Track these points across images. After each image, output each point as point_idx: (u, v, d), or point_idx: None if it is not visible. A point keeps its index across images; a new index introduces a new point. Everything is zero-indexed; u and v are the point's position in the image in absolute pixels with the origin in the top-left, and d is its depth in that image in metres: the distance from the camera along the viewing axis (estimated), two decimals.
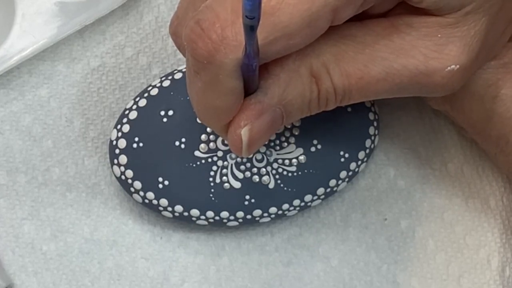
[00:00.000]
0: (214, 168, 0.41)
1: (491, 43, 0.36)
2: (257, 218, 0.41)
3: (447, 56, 0.34)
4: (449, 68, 0.34)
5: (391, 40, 0.34)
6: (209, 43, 0.30)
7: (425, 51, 0.34)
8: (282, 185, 0.41)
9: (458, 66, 0.34)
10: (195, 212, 0.41)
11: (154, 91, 0.42)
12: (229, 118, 0.33)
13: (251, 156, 0.41)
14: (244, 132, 0.33)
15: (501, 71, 0.38)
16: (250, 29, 0.26)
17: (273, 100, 0.33)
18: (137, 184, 0.41)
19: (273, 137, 0.41)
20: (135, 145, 0.41)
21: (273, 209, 0.41)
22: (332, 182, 0.42)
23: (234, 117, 0.33)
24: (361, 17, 0.34)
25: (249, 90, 0.33)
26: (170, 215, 0.41)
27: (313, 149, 0.41)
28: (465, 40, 0.34)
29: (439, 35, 0.34)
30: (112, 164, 0.41)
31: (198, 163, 0.41)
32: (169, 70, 0.45)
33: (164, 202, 0.41)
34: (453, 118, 0.42)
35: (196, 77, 0.32)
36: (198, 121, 0.41)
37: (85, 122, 0.44)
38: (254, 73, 0.31)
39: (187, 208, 0.41)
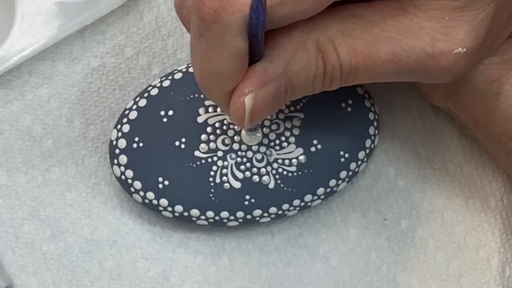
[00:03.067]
0: (214, 168, 0.41)
1: (496, 31, 0.36)
2: (257, 218, 0.41)
3: (454, 39, 0.34)
4: (455, 51, 0.34)
5: (399, 21, 0.34)
6: (215, 1, 0.30)
7: (432, 33, 0.34)
8: (282, 185, 0.41)
9: (465, 49, 0.34)
10: (195, 212, 0.41)
11: (154, 91, 0.42)
12: (233, 84, 0.33)
13: (251, 154, 0.41)
14: (248, 99, 0.32)
15: (504, 67, 0.38)
16: None
17: (278, 69, 0.33)
18: (137, 184, 0.41)
19: (273, 137, 0.41)
20: (135, 145, 0.41)
21: (273, 209, 0.41)
22: (332, 182, 0.42)
23: (237, 84, 0.32)
24: None
25: (253, 58, 0.32)
26: (170, 215, 0.41)
27: (313, 149, 0.41)
28: (472, 24, 0.34)
29: (447, 18, 0.34)
30: (112, 164, 0.41)
31: (198, 163, 0.41)
32: (169, 70, 0.45)
33: (164, 202, 0.41)
34: (455, 116, 0.42)
35: (201, 40, 0.31)
36: (198, 121, 0.41)
37: (85, 122, 0.44)
38: (260, 30, 0.31)
39: (187, 208, 0.41)
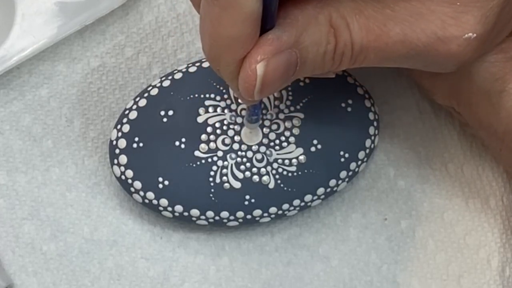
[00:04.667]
0: (214, 168, 0.41)
1: (503, 21, 0.36)
2: (257, 218, 0.41)
3: (464, 24, 0.34)
4: (466, 36, 0.34)
5: (410, 3, 0.34)
6: None
7: (443, 18, 0.34)
8: (282, 185, 0.41)
9: (475, 35, 0.34)
10: (195, 212, 0.41)
11: (154, 91, 0.42)
12: (244, 51, 0.32)
13: (251, 154, 0.41)
14: (260, 67, 0.32)
15: (509, 65, 0.38)
16: None
17: (290, 39, 0.32)
18: (137, 184, 0.41)
19: (273, 137, 0.41)
20: (135, 145, 0.41)
21: (273, 209, 0.41)
22: (332, 182, 0.42)
23: (249, 51, 0.32)
24: None
25: (265, 26, 0.32)
26: (170, 215, 0.41)
27: (313, 149, 0.41)
28: (483, 11, 0.34)
29: (458, 3, 0.34)
30: (112, 164, 0.41)
31: (198, 163, 0.41)
32: (169, 70, 0.45)
33: (164, 202, 0.41)
34: (456, 114, 0.42)
35: (213, 4, 0.31)
36: (198, 121, 0.41)
37: (85, 122, 0.44)
38: None
39: (187, 208, 0.41)
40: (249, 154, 0.41)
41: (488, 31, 0.34)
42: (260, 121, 0.41)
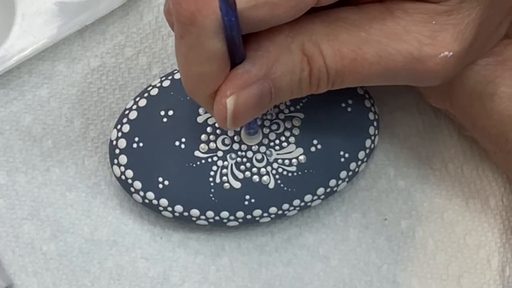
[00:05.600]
0: (214, 168, 0.41)
1: (486, 34, 0.36)
2: (257, 218, 0.41)
3: (440, 43, 0.34)
4: (442, 54, 0.34)
5: (385, 24, 0.34)
6: (191, 3, 0.30)
7: (419, 37, 0.34)
8: (282, 185, 0.41)
9: (451, 53, 0.34)
10: (195, 212, 0.41)
11: (154, 91, 0.42)
12: (214, 86, 0.33)
13: (251, 154, 0.41)
14: (230, 101, 0.32)
15: (500, 68, 0.38)
16: None
17: (260, 71, 0.33)
18: (137, 184, 0.41)
19: (273, 137, 0.41)
20: (135, 145, 0.41)
21: (273, 209, 0.41)
22: (332, 182, 0.42)
23: (220, 86, 0.33)
24: (357, 2, 0.34)
25: (235, 61, 0.32)
26: (170, 215, 0.41)
27: (313, 149, 0.41)
28: (458, 28, 0.34)
29: (433, 22, 0.34)
30: (112, 164, 0.41)
31: (198, 163, 0.41)
32: (169, 70, 0.45)
33: (164, 202, 0.41)
34: (453, 116, 0.42)
35: (181, 43, 0.32)
36: (198, 121, 0.41)
37: (85, 122, 0.44)
38: (236, 32, 0.31)
39: (187, 208, 0.41)
40: (249, 154, 0.41)
41: (466, 48, 0.34)
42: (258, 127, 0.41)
